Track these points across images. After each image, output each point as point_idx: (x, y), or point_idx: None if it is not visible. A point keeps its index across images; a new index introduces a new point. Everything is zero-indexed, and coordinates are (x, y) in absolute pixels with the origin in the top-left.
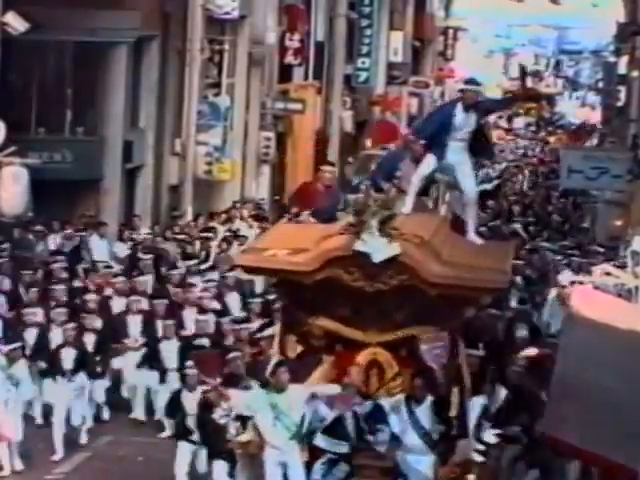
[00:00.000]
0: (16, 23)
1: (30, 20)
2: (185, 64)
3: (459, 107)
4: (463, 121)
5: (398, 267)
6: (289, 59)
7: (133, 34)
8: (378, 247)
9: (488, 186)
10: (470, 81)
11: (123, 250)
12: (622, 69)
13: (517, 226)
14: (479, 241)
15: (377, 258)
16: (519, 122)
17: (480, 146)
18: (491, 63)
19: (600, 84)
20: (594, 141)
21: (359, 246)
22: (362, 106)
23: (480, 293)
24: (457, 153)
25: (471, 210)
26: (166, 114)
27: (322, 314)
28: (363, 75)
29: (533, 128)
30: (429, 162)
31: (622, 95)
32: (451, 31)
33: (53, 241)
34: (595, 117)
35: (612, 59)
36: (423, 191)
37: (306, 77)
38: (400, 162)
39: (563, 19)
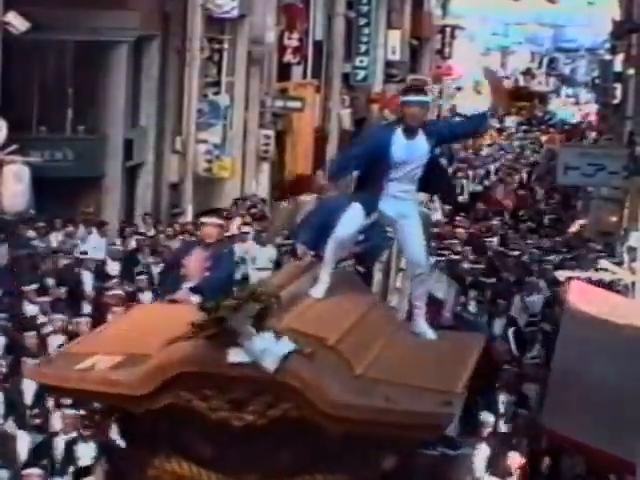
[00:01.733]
0: (17, 23)
1: (31, 20)
2: (185, 63)
3: (399, 132)
4: (406, 152)
5: (277, 390)
6: (288, 58)
7: (133, 34)
8: (265, 349)
9: (478, 187)
10: (412, 90)
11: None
12: (618, 67)
13: (483, 320)
14: (431, 335)
15: (271, 364)
16: (511, 121)
17: (435, 180)
18: (488, 61)
19: (596, 82)
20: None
21: (235, 356)
22: (360, 104)
23: (408, 432)
24: (398, 201)
25: (420, 287)
26: (166, 113)
27: (174, 454)
28: (361, 73)
29: (525, 127)
30: (354, 216)
31: (618, 92)
32: (448, 29)
33: (55, 239)
34: (589, 115)
35: (608, 57)
36: (360, 260)
37: (305, 75)
38: (336, 216)
39: (559, 17)
